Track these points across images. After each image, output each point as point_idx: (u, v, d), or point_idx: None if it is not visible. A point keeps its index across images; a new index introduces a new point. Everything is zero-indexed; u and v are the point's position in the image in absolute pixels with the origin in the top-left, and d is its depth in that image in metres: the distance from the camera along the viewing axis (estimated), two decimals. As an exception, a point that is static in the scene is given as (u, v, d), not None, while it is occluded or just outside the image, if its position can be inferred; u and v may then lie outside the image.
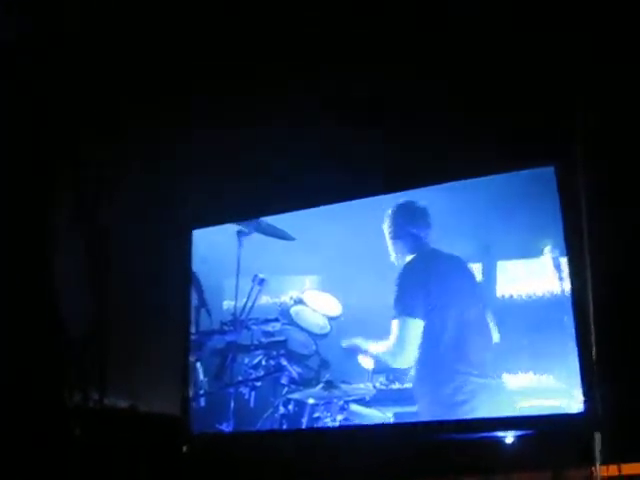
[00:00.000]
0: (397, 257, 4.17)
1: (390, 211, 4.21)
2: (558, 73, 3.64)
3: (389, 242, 4.19)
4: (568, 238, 3.62)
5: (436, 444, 3.81)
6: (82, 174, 4.71)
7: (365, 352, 4.17)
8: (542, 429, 3.55)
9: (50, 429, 4.20)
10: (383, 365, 4.13)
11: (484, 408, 3.80)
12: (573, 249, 3.59)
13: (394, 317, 4.09)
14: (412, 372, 4.05)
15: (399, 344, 4.06)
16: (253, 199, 4.52)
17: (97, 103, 4.48)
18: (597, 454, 3.22)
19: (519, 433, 3.61)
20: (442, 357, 3.96)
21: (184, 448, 4.46)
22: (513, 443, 3.60)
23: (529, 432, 3.59)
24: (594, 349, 3.40)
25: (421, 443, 3.86)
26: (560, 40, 3.52)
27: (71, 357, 4.44)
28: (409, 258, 4.14)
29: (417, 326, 4.04)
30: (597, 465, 3.23)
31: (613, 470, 3.25)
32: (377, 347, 4.14)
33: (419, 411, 4.01)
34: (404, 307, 4.09)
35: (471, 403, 3.84)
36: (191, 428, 4.52)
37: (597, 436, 3.24)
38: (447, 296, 4.03)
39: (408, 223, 4.16)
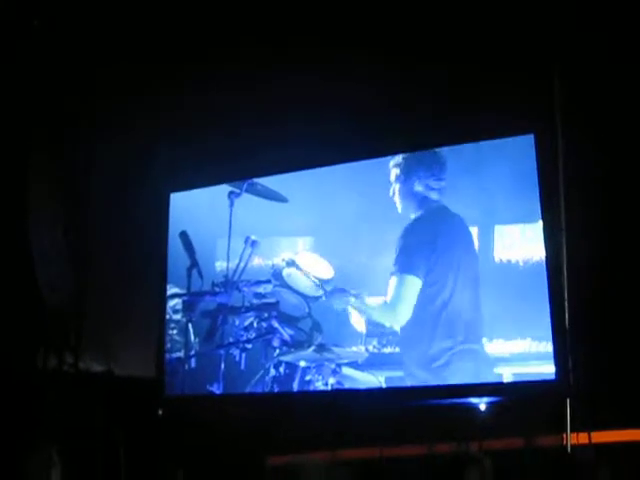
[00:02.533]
0: (403, 210, 4.39)
1: (402, 159, 4.42)
2: (539, 41, 3.86)
3: (397, 192, 4.40)
4: (544, 204, 3.89)
5: (408, 412, 4.10)
6: (61, 141, 4.88)
7: (358, 309, 4.45)
8: (514, 396, 3.88)
9: (25, 393, 4.39)
10: (376, 328, 4.40)
11: (466, 374, 4.09)
12: (549, 216, 3.86)
13: (393, 273, 4.32)
14: (400, 333, 4.31)
15: (395, 300, 4.31)
16: (239, 161, 4.78)
17: (76, 67, 4.65)
18: (568, 420, 3.53)
19: (491, 400, 3.93)
20: (432, 319, 4.22)
21: (159, 411, 4.76)
22: (486, 410, 3.91)
23: (501, 399, 3.91)
24: (567, 316, 3.68)
25: (392, 411, 4.14)
26: (542, 7, 3.83)
27: (46, 321, 4.65)
28: (416, 214, 4.37)
29: (415, 284, 4.27)
30: (568, 432, 3.53)
31: (583, 438, 3.55)
32: (370, 301, 4.42)
33: (404, 375, 4.29)
34: (405, 264, 4.32)
35: (453, 366, 4.11)
36: (166, 391, 4.84)
37: (568, 403, 3.55)
38: (448, 257, 4.25)
39: (424, 171, 4.35)
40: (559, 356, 3.77)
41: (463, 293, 4.20)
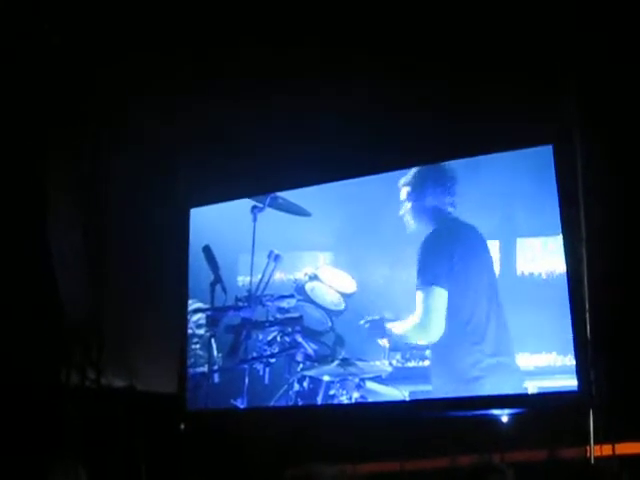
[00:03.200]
0: (417, 226, 4.46)
1: (412, 177, 4.49)
2: (557, 51, 3.95)
3: (408, 210, 4.47)
4: (564, 216, 3.96)
5: (430, 424, 4.17)
6: (80, 154, 5.00)
7: (387, 331, 4.49)
8: (537, 408, 3.94)
9: (48, 409, 4.50)
10: (401, 342, 4.46)
11: (495, 387, 4.14)
12: (569, 228, 3.93)
13: (418, 288, 4.36)
14: (428, 349, 4.36)
15: (426, 315, 4.33)
16: (259, 175, 4.89)
17: (96, 78, 4.74)
18: (591, 432, 3.57)
19: (514, 411, 4.00)
20: (459, 331, 4.27)
21: (181, 426, 4.86)
22: (509, 422, 3.98)
23: (524, 411, 3.98)
24: (588, 327, 3.73)
25: (414, 423, 4.22)
26: (562, 20, 3.93)
27: (69, 337, 4.76)
28: (431, 228, 4.43)
29: (442, 295, 4.30)
30: (591, 443, 3.57)
31: (607, 449, 3.59)
32: (401, 324, 4.43)
33: (434, 389, 4.33)
34: (429, 276, 4.36)
35: (483, 381, 4.15)
36: (188, 406, 4.93)
37: (591, 414, 3.59)
38: (467, 268, 4.32)
39: (435, 187, 4.43)
40: (581, 368, 3.81)
41: (486, 304, 4.26)
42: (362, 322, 4.59)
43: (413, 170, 4.52)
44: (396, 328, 4.48)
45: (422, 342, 4.42)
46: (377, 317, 4.58)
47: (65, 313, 4.76)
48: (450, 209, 4.41)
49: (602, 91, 3.90)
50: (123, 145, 5.02)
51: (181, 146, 5.07)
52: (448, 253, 4.39)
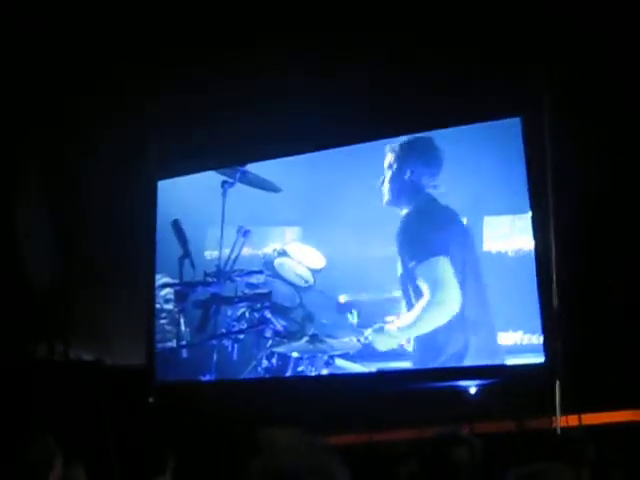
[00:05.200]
0: (393, 200, 4.44)
1: (399, 149, 4.46)
2: (529, 28, 4.01)
3: (387, 183, 4.44)
4: (532, 191, 4.03)
5: (401, 395, 4.23)
6: (50, 125, 4.98)
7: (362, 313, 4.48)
8: (505, 379, 4.00)
9: (15, 381, 4.46)
10: (369, 319, 4.47)
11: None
12: (537, 203, 3.99)
13: (418, 263, 4.28)
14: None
15: (439, 288, 4.24)
16: (228, 148, 4.90)
17: (67, 57, 4.69)
18: (557, 403, 3.67)
19: (482, 383, 4.06)
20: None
21: (150, 399, 4.88)
22: (476, 393, 4.04)
23: (492, 382, 4.03)
24: (555, 300, 3.81)
25: (383, 395, 4.25)
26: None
27: (37, 311, 4.80)
28: (407, 210, 4.42)
29: (447, 263, 4.24)
30: (558, 414, 3.67)
31: (573, 420, 3.71)
32: (409, 314, 4.35)
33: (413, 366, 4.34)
34: (426, 248, 4.30)
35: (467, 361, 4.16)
36: (157, 379, 4.95)
37: (557, 385, 3.69)
38: (450, 248, 4.29)
39: (420, 165, 4.40)
40: (548, 341, 3.89)
41: (470, 288, 4.26)
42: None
43: (402, 141, 4.50)
44: (403, 319, 4.39)
45: (442, 320, 4.27)
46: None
47: (33, 286, 4.77)
48: (429, 189, 4.40)
49: (572, 61, 3.94)
50: (91, 117, 4.99)
51: (149, 118, 5.04)
52: (433, 229, 4.40)
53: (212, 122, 4.88)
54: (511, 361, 4.10)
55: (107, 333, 5.02)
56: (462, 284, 4.23)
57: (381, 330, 4.44)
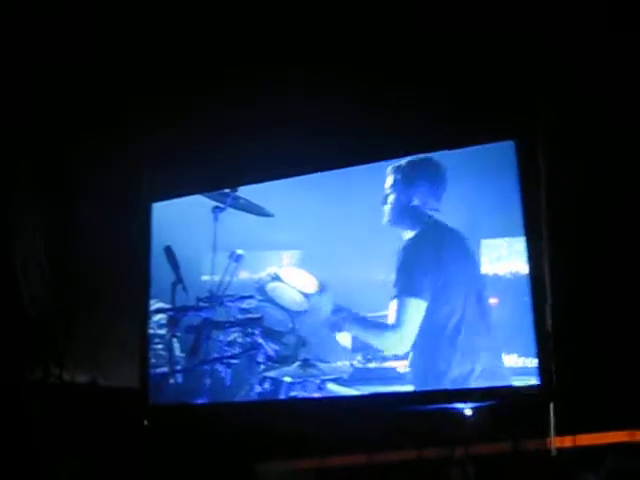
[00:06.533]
0: (394, 221, 4.44)
1: (403, 169, 4.47)
2: (522, 53, 4.10)
3: (390, 204, 4.45)
4: (526, 214, 4.07)
5: (397, 417, 4.24)
6: (45, 153, 5.07)
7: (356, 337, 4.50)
8: (499, 401, 4.02)
9: (10, 405, 4.54)
10: (362, 344, 4.50)
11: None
12: (531, 226, 4.04)
13: (395, 296, 4.33)
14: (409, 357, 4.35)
15: (398, 326, 4.30)
16: (221, 170, 4.95)
17: (60, 84, 4.81)
18: (552, 425, 3.71)
19: (477, 405, 4.06)
20: (448, 343, 4.25)
21: (145, 422, 4.87)
22: (472, 415, 4.04)
23: (487, 404, 4.04)
24: (549, 322, 3.86)
25: (380, 416, 4.28)
26: (526, 20, 4.06)
27: (31, 332, 4.82)
28: (411, 233, 4.42)
29: (420, 307, 4.27)
30: (552, 436, 3.72)
31: (568, 441, 3.75)
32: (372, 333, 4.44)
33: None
34: (408, 286, 4.32)
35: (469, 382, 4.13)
36: (151, 402, 4.93)
37: (551, 407, 3.73)
38: (455, 277, 4.30)
39: (426, 187, 4.39)
40: (542, 362, 3.93)
41: (475, 313, 4.26)
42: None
43: (405, 160, 4.52)
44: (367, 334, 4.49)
45: (392, 351, 4.40)
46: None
47: (28, 309, 4.82)
48: (432, 212, 4.41)
49: (567, 87, 4.00)
50: (87, 143, 5.07)
51: (144, 144, 5.10)
52: (434, 262, 4.35)
53: (203, 145, 4.96)
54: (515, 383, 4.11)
55: (102, 356, 5.03)
56: (463, 311, 4.26)
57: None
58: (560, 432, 3.75)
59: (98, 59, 4.57)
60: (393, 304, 4.36)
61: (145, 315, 5.07)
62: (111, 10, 4.34)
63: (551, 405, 3.78)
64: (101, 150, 5.09)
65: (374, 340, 4.49)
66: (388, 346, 4.44)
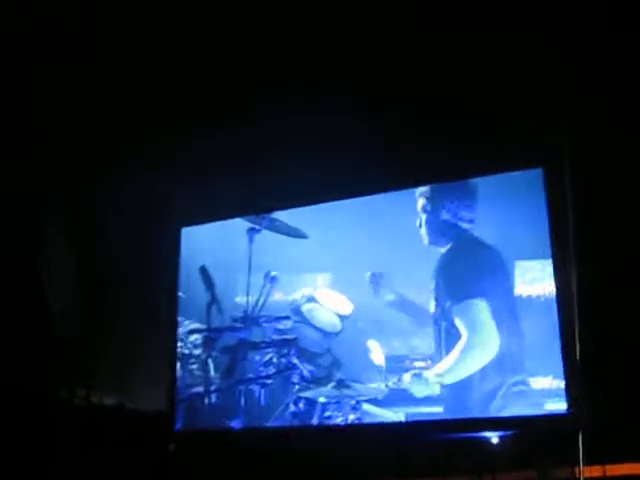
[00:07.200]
0: (434, 242, 4.49)
1: (431, 189, 4.53)
2: (549, 79, 4.07)
3: (424, 224, 4.50)
4: (554, 239, 4.08)
5: (423, 445, 4.22)
6: (77, 173, 5.11)
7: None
8: (528, 429, 3.98)
9: (37, 426, 4.57)
10: (396, 364, 4.52)
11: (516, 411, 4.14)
12: (559, 251, 4.03)
13: (455, 304, 4.32)
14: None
15: (478, 328, 4.24)
16: (252, 195, 4.98)
17: (85, 98, 4.75)
18: (581, 454, 3.64)
19: (505, 433, 4.03)
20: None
21: (171, 447, 4.92)
22: (500, 443, 4.01)
23: (515, 432, 4.01)
24: (578, 349, 3.81)
25: (407, 444, 4.27)
26: (552, 47, 4.03)
27: (58, 354, 4.85)
28: (447, 245, 4.47)
29: (484, 307, 4.25)
30: (581, 465, 3.64)
31: (597, 471, 3.70)
32: (446, 360, 4.33)
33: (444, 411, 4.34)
34: (465, 291, 4.31)
35: (508, 408, 4.15)
36: (184, 426, 4.99)
37: (580, 435, 3.66)
38: (491, 289, 4.30)
39: (454, 200, 4.44)
40: (571, 389, 3.90)
41: (508, 330, 4.26)
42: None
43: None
44: (443, 364, 4.37)
45: (482, 363, 4.26)
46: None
47: (56, 330, 4.88)
48: (467, 225, 4.45)
49: (592, 114, 3.96)
50: (118, 164, 5.10)
51: (175, 167, 5.11)
52: (474, 270, 4.39)
53: (237, 169, 4.97)
54: (548, 405, 4.10)
55: (130, 379, 5.07)
56: (499, 326, 4.24)
57: (419, 376, 4.44)
58: (589, 462, 3.67)
59: (131, 79, 4.62)
60: (460, 313, 4.34)
61: (174, 339, 5.14)
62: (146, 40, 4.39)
63: (580, 433, 3.70)
64: (133, 169, 5.13)
65: (449, 363, 4.37)
66: (486, 354, 4.27)
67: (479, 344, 4.26)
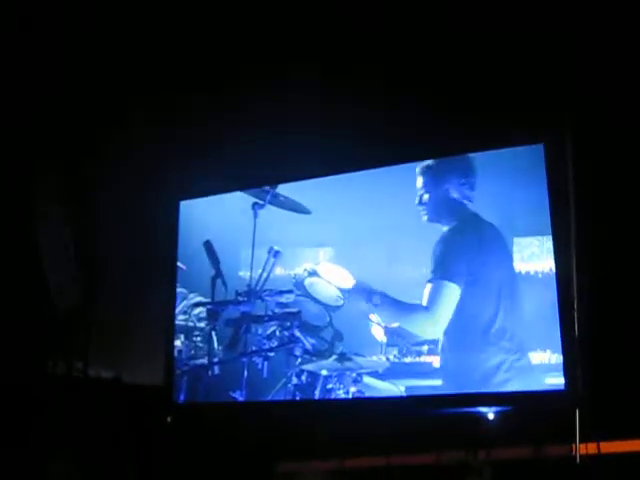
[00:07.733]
0: (434, 218, 4.52)
1: (433, 166, 4.55)
2: (551, 56, 4.10)
3: (426, 201, 4.52)
4: (554, 216, 4.08)
5: (418, 419, 4.29)
6: (71, 143, 5.12)
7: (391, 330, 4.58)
8: (524, 405, 4.03)
9: (33, 399, 4.62)
10: (396, 338, 4.57)
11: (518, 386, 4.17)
12: (558, 227, 4.04)
13: (430, 280, 4.44)
14: (439, 344, 4.43)
15: (431, 306, 4.41)
16: (252, 169, 5.01)
17: (82, 72, 4.83)
18: (577, 430, 3.70)
19: (500, 409, 4.08)
20: (481, 334, 4.29)
21: (168, 419, 4.97)
22: (495, 419, 4.06)
23: (511, 408, 4.06)
24: (576, 326, 3.85)
25: (402, 418, 4.34)
26: (556, 24, 4.01)
27: (55, 327, 4.90)
28: (450, 223, 4.49)
29: (454, 292, 4.37)
30: (577, 442, 3.71)
31: (592, 448, 3.74)
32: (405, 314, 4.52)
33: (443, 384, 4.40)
34: (445, 272, 4.42)
35: (509, 383, 4.18)
36: (175, 398, 5.05)
37: (577, 413, 3.72)
38: (490, 269, 4.35)
39: (456, 177, 4.46)
40: (568, 366, 3.93)
41: (508, 307, 4.30)
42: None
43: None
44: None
45: (426, 335, 4.47)
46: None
47: (53, 304, 4.90)
48: (469, 203, 4.47)
49: (595, 90, 3.96)
50: (115, 136, 5.15)
51: (174, 139, 5.18)
52: (471, 253, 4.43)
53: (239, 141, 5.00)
54: (548, 380, 4.12)
55: (127, 352, 5.15)
56: (497, 304, 4.29)
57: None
58: (585, 439, 3.70)
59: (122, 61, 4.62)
60: (428, 287, 4.47)
61: (171, 311, 5.20)
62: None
63: (577, 411, 3.73)
64: (131, 145, 5.17)
65: (407, 322, 4.57)
66: (421, 328, 4.52)
67: (427, 318, 4.45)
